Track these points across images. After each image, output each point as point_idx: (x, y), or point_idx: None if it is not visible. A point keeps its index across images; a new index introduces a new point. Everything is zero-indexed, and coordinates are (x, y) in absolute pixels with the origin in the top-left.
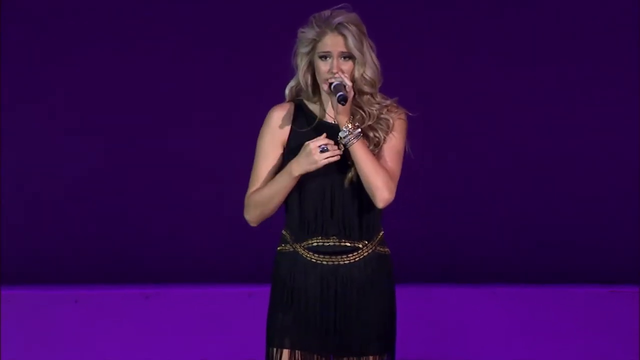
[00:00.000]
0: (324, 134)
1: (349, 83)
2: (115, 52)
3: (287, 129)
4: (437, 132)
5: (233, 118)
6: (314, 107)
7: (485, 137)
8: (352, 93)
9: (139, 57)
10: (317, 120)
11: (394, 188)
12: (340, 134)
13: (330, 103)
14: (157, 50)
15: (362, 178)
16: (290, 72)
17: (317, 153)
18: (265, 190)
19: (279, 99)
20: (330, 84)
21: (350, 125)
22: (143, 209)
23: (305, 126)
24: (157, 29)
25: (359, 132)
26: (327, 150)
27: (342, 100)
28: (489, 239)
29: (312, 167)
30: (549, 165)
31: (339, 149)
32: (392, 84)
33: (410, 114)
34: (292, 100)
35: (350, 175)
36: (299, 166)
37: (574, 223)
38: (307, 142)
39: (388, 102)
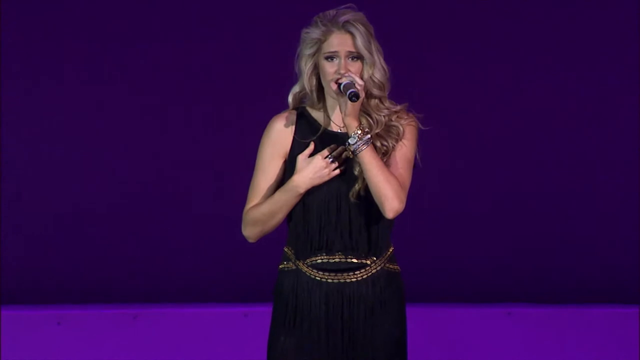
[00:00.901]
0: (330, 146)
1: (360, 82)
2: (122, 92)
3: (289, 139)
4: (449, 146)
5: (226, 133)
6: (317, 115)
7: (502, 152)
8: (363, 93)
9: (145, 97)
10: (321, 130)
11: (404, 198)
12: (349, 140)
13: (336, 109)
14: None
15: (370, 187)
16: (294, 78)
17: (329, 165)
18: (266, 207)
19: (284, 108)
20: (339, 84)
21: (359, 131)
22: (129, 224)
23: (309, 135)
24: (158, 35)
25: (369, 138)
26: (335, 160)
27: (354, 96)
28: (502, 256)
29: (321, 181)
30: (566, 183)
31: (346, 156)
32: (396, 91)
33: (422, 126)
34: (294, 107)
35: (356, 186)
36: (307, 181)
37: (591, 242)
38: (316, 156)
39: (398, 107)
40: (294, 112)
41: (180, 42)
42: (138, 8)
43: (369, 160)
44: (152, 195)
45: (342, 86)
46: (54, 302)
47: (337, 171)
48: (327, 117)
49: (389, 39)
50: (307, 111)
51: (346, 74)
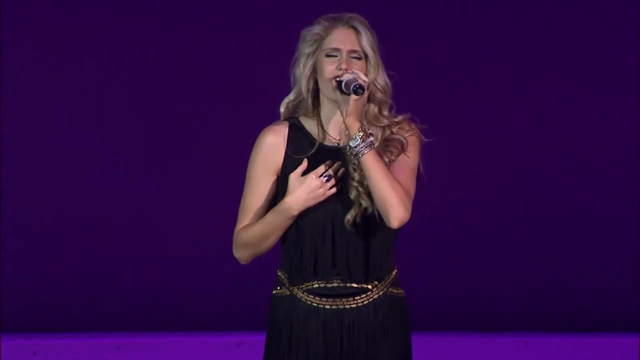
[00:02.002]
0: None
1: (364, 77)
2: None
3: (281, 155)
4: (455, 163)
5: (214, 159)
6: (311, 126)
7: (511, 171)
8: (367, 93)
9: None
10: (316, 145)
11: (410, 206)
12: (350, 142)
13: (333, 119)
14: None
15: (373, 193)
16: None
17: (324, 185)
18: (257, 229)
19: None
20: (339, 82)
21: (361, 133)
22: (115, 248)
23: (302, 150)
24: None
25: (371, 141)
26: (331, 177)
27: (360, 88)
28: (513, 282)
29: (317, 201)
30: (577, 210)
31: (343, 173)
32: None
33: (425, 138)
34: (286, 119)
35: (353, 213)
36: (301, 203)
37: (604, 271)
38: (309, 175)
39: (399, 118)
40: (286, 124)
41: (180, 44)
42: (138, 8)
43: (371, 164)
44: (140, 221)
45: (343, 83)
46: (30, 330)
47: (333, 190)
48: (322, 130)
49: (390, 39)
50: (299, 123)
51: (348, 71)
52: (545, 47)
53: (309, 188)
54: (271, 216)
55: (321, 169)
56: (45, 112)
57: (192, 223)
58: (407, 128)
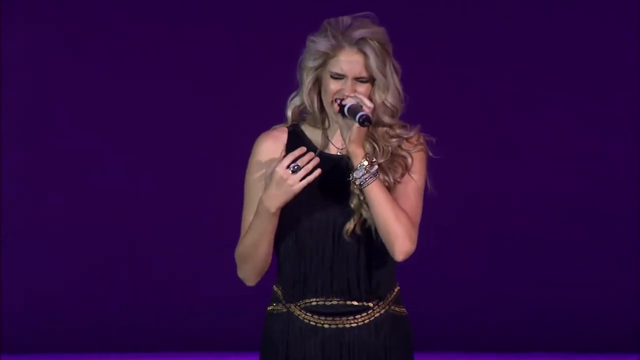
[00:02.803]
0: (302, 158)
1: (369, 104)
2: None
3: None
4: (463, 180)
5: (215, 160)
6: (313, 134)
7: (518, 191)
8: (373, 119)
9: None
10: (317, 152)
11: (416, 237)
12: (354, 173)
13: (337, 130)
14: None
15: (378, 224)
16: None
17: (290, 176)
18: (247, 238)
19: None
20: (342, 105)
21: (366, 162)
22: (102, 269)
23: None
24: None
25: (376, 170)
26: (299, 168)
27: (366, 120)
28: (517, 302)
29: (289, 196)
30: (579, 226)
31: (317, 163)
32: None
33: (431, 154)
34: (286, 124)
35: (352, 222)
36: (273, 199)
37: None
38: (273, 168)
39: (411, 134)
40: (284, 130)
41: (180, 45)
42: (138, 8)
43: (376, 194)
44: (140, 221)
45: (346, 108)
46: (29, 351)
47: (305, 182)
48: (326, 138)
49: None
50: (300, 129)
51: (351, 95)
52: (545, 47)
53: (275, 182)
54: (254, 221)
55: (287, 159)
56: (45, 112)
57: (191, 223)
58: (415, 143)
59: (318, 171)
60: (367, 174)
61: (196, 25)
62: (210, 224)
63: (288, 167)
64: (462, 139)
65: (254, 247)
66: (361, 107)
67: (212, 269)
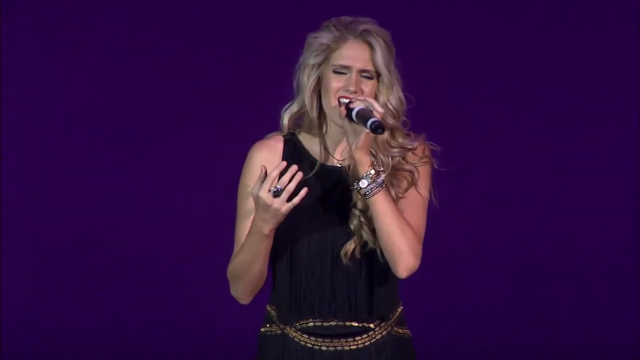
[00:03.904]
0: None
1: (379, 109)
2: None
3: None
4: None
5: (215, 161)
6: (310, 144)
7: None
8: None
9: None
10: (318, 165)
11: (420, 252)
12: (359, 183)
13: (339, 138)
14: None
15: (381, 238)
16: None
17: (274, 201)
18: (240, 257)
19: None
20: (350, 109)
21: (372, 171)
22: (113, 250)
23: (300, 171)
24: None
25: (383, 180)
26: (281, 191)
27: (379, 128)
28: (531, 324)
29: (280, 218)
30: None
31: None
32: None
33: (436, 165)
34: (283, 133)
35: (351, 244)
36: (263, 223)
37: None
38: (256, 190)
39: (415, 144)
40: (280, 139)
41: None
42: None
43: (381, 205)
44: (139, 221)
45: (354, 112)
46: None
47: (291, 204)
48: (325, 149)
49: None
50: (296, 138)
51: (359, 97)
52: (545, 47)
53: (262, 207)
54: (248, 240)
55: (267, 182)
56: (45, 112)
57: (192, 225)
58: (421, 155)
59: (304, 190)
60: (374, 184)
61: (196, 25)
62: (213, 211)
63: (270, 190)
64: (466, 146)
65: (248, 266)
66: (371, 111)
67: (203, 286)
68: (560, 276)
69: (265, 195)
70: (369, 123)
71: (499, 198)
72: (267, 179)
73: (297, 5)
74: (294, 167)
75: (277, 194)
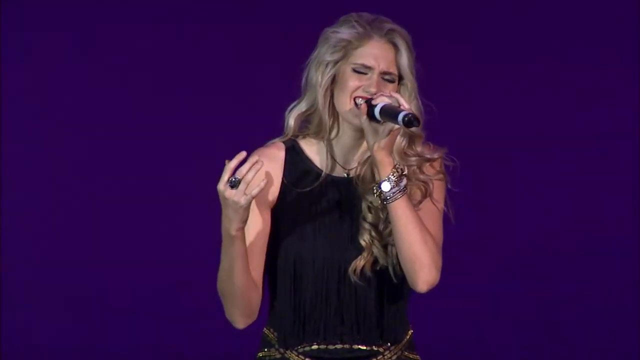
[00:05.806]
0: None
1: (406, 104)
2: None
3: (277, 184)
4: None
5: (214, 161)
6: (312, 152)
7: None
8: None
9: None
10: (323, 175)
11: (441, 265)
12: (381, 186)
13: (349, 145)
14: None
15: (400, 247)
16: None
17: (232, 193)
18: (220, 269)
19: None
20: (372, 105)
21: (395, 174)
22: (74, 300)
23: (303, 180)
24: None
25: (405, 185)
26: (238, 181)
27: (415, 120)
28: (542, 345)
29: (241, 213)
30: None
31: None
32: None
33: (449, 185)
34: (283, 138)
35: (360, 261)
36: (227, 221)
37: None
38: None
39: (435, 155)
40: (282, 147)
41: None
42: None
43: (403, 212)
44: (139, 221)
45: (378, 108)
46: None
47: (250, 197)
48: (330, 157)
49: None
50: (298, 145)
51: (385, 93)
52: (545, 46)
53: (223, 202)
54: (222, 248)
55: (225, 174)
56: (45, 112)
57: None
58: (438, 169)
59: (264, 182)
60: (396, 188)
61: (196, 25)
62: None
63: (228, 181)
64: (466, 145)
65: (228, 278)
66: (398, 106)
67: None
68: (561, 276)
69: (223, 187)
70: (400, 116)
71: (499, 198)
72: (225, 170)
73: (297, 6)
74: (254, 158)
75: (233, 184)
